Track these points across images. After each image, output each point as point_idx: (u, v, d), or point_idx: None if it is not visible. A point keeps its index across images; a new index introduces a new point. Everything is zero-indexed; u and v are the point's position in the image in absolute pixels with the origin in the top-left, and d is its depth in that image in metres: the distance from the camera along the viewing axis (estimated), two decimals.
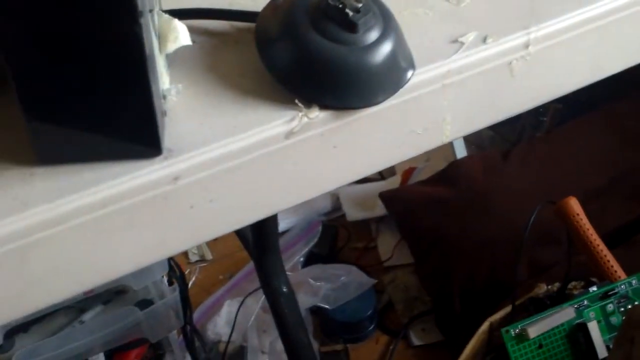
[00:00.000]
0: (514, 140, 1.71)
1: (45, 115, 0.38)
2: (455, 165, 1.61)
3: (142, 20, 0.36)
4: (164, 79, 0.42)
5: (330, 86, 0.43)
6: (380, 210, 1.66)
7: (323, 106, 0.43)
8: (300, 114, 0.43)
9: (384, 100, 0.44)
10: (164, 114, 0.41)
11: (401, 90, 0.45)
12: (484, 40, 0.48)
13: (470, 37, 0.48)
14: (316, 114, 0.43)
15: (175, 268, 1.10)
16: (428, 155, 1.70)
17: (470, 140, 1.74)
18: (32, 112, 0.38)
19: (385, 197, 1.63)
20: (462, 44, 0.48)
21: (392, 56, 0.44)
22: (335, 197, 1.74)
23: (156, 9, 0.42)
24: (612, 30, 0.53)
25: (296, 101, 0.43)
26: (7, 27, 0.35)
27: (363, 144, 0.47)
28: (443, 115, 0.49)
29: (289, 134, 0.43)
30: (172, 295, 1.07)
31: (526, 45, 0.49)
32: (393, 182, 1.73)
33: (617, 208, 1.41)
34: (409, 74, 0.45)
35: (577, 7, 0.51)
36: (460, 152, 1.69)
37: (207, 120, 0.42)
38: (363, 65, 0.43)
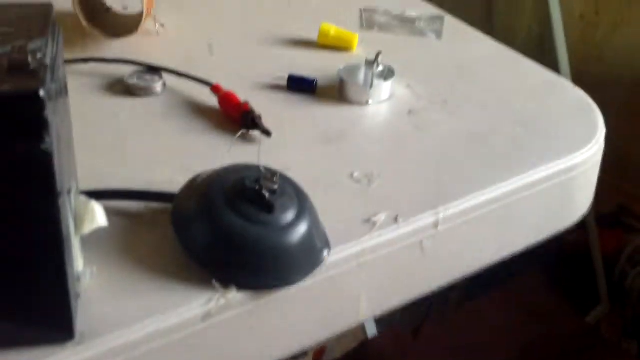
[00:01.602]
0: (423, 316, 1.73)
1: None
2: (366, 345, 1.60)
3: (60, 202, 0.37)
4: (78, 261, 0.42)
5: (247, 267, 0.44)
6: None
7: (240, 286, 0.44)
8: (217, 295, 0.43)
9: (300, 279, 0.45)
10: (78, 296, 0.41)
11: (317, 269, 0.46)
12: (395, 220, 0.50)
13: (382, 217, 0.50)
14: (233, 294, 0.43)
15: None
16: (339, 334, 1.69)
17: (380, 316, 1.75)
18: None
19: None
20: (375, 223, 0.50)
21: (308, 236, 0.46)
22: None
23: (73, 190, 0.42)
24: (515, 210, 0.57)
25: (213, 282, 0.43)
26: None
27: (280, 324, 0.46)
28: (358, 294, 0.50)
29: (206, 316, 0.42)
30: None
31: (435, 225, 0.51)
32: None
33: None
34: (325, 253, 0.47)
35: (481, 188, 0.54)
36: (371, 329, 1.69)
37: (122, 303, 0.42)
38: (280, 245, 0.44)
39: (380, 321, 1.74)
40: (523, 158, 0.59)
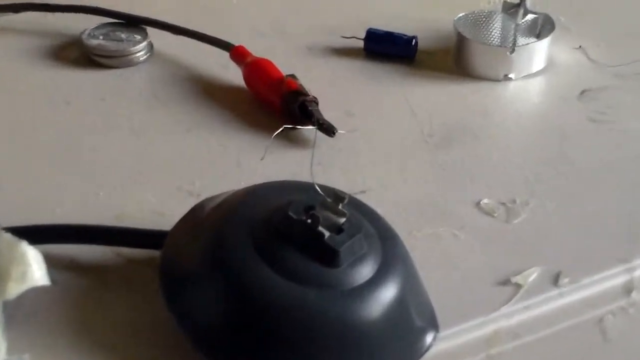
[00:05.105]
0: None
1: None
2: None
3: None
4: None
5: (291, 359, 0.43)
6: None
7: None
8: None
9: None
10: None
11: None
12: (555, 281, 0.49)
13: (530, 275, 0.49)
14: None
15: None
16: None
17: None
18: None
19: None
20: (519, 286, 0.48)
21: (400, 308, 0.44)
22: None
23: None
24: None
25: None
26: None
27: None
28: None
29: None
30: None
31: (628, 290, 0.50)
32: None
33: None
34: (429, 338, 0.45)
35: None
36: None
37: None
38: (350, 323, 0.42)
39: None
40: None
